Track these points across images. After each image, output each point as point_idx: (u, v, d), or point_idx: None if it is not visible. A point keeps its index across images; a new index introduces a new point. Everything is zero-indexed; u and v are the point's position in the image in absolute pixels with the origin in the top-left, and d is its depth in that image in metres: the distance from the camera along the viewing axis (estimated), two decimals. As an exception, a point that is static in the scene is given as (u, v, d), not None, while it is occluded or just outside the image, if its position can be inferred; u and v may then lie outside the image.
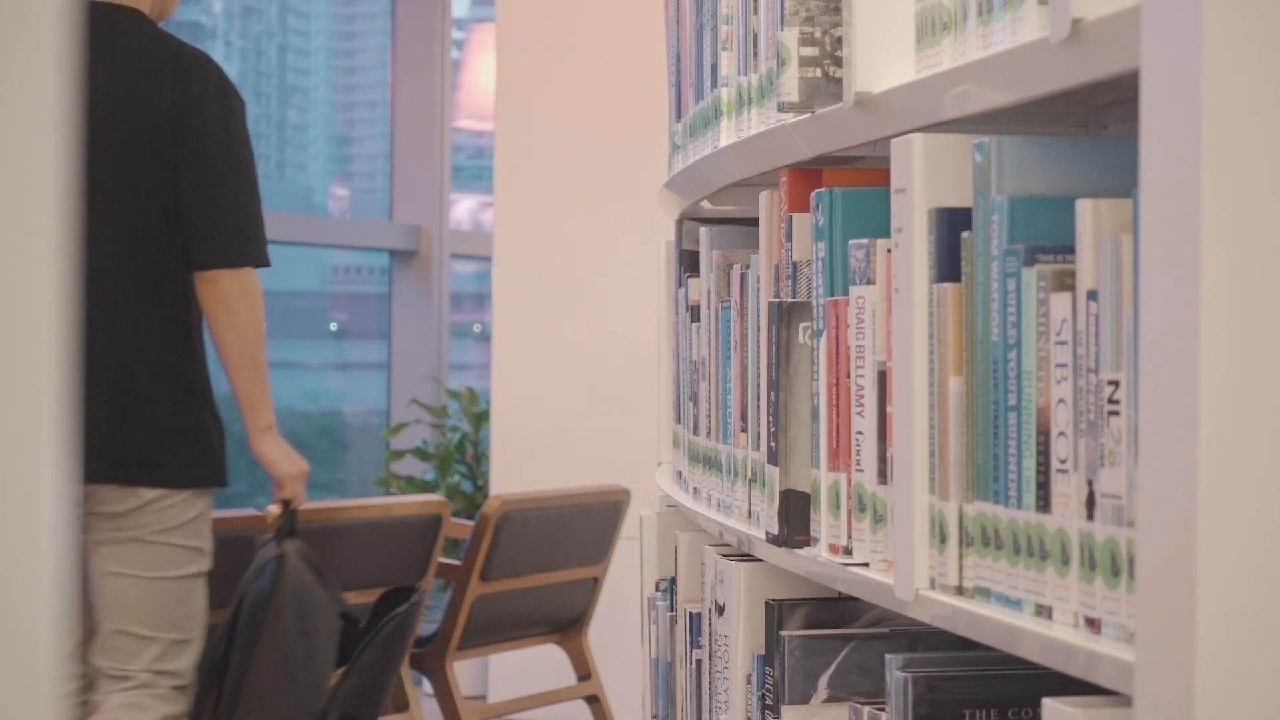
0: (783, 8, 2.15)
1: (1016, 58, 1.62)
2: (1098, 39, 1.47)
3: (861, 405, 1.94)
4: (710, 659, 2.47)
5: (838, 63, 2.12)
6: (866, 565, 1.95)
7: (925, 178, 1.74)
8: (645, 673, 3.05)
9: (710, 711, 2.48)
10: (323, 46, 8.33)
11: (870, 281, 1.92)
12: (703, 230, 2.64)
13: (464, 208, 8.69)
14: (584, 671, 5.59)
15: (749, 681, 2.27)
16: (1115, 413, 1.48)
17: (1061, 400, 1.56)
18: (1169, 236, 1.36)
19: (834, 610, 2.17)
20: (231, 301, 3.63)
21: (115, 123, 3.62)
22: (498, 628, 5.40)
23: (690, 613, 2.63)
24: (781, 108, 2.16)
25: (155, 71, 3.65)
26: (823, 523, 2.02)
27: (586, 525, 5.36)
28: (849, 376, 1.96)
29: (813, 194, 2.07)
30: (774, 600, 2.19)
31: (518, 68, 6.25)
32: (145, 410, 3.64)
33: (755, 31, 2.31)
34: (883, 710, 1.91)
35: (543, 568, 5.17)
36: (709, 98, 2.56)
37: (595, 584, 5.47)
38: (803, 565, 2.09)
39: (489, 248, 6.50)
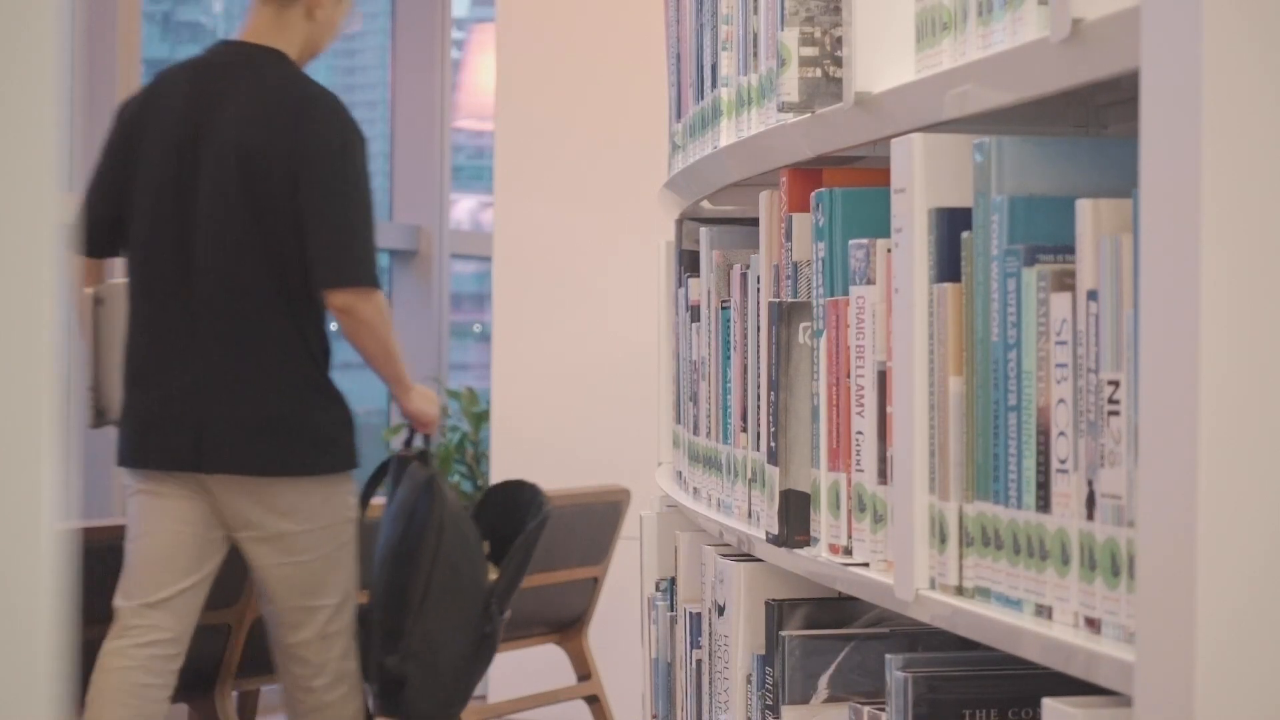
0: (783, 8, 2.15)
1: (1016, 58, 1.62)
2: (1098, 39, 1.47)
3: (861, 405, 1.94)
4: (710, 659, 2.47)
5: (838, 63, 2.12)
6: (866, 565, 1.95)
7: (925, 178, 1.74)
8: (645, 673, 3.05)
9: (710, 711, 2.48)
10: (323, 46, 8.32)
11: (870, 281, 1.92)
12: (703, 230, 2.64)
13: (464, 208, 8.68)
14: (584, 671, 5.60)
15: (749, 681, 2.27)
16: (1115, 413, 1.48)
17: (1061, 400, 1.56)
18: (1169, 236, 1.36)
19: (834, 610, 2.17)
20: (355, 313, 4.12)
21: (248, 154, 4.05)
22: (498, 628, 5.39)
23: (690, 613, 2.63)
24: (781, 108, 2.16)
25: (285, 109, 4.09)
26: (823, 523, 2.02)
27: (586, 525, 5.36)
28: (849, 376, 1.96)
29: (813, 194, 2.07)
30: (774, 600, 2.19)
31: (518, 68, 6.25)
32: (291, 411, 4.12)
33: (755, 31, 2.31)
34: (883, 710, 1.90)
35: (543, 567, 5.17)
36: (709, 98, 2.56)
37: (595, 584, 5.48)
38: (803, 565, 2.09)
39: (489, 248, 6.50)
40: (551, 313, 6.19)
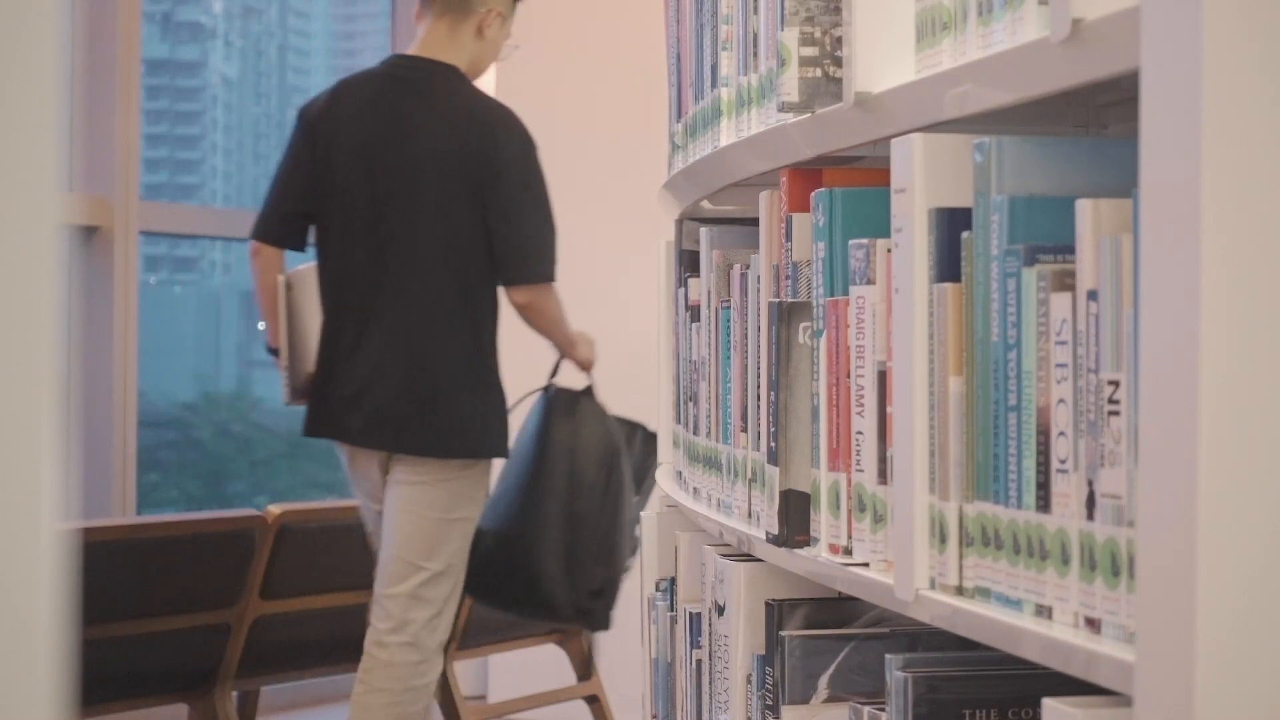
0: (783, 8, 2.15)
1: (1016, 58, 1.62)
2: (1098, 39, 1.47)
3: (861, 405, 1.94)
4: (710, 659, 2.47)
5: (838, 63, 2.12)
6: (866, 565, 1.95)
7: (925, 178, 1.74)
8: (645, 673, 3.05)
9: (710, 711, 2.48)
10: (323, 46, 8.33)
11: (870, 281, 1.92)
12: (703, 230, 2.64)
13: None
14: (584, 671, 5.60)
15: (749, 681, 2.27)
16: (1115, 413, 1.48)
17: (1061, 400, 1.56)
18: (1169, 236, 1.36)
19: (834, 610, 2.17)
20: (537, 306, 4.49)
21: (439, 162, 4.39)
22: (498, 627, 5.40)
23: (690, 613, 2.63)
24: (781, 108, 2.16)
25: (474, 121, 4.43)
26: (823, 523, 2.03)
27: (587, 525, 5.35)
28: (849, 376, 1.96)
29: (813, 194, 2.07)
30: (774, 600, 2.19)
31: (517, 68, 6.24)
32: (450, 398, 4.40)
33: (755, 31, 2.31)
34: (883, 710, 1.91)
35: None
36: (709, 98, 2.56)
37: (595, 584, 5.47)
38: (803, 565, 2.09)
39: (489, 248, 6.49)
40: (551, 313, 6.18)
